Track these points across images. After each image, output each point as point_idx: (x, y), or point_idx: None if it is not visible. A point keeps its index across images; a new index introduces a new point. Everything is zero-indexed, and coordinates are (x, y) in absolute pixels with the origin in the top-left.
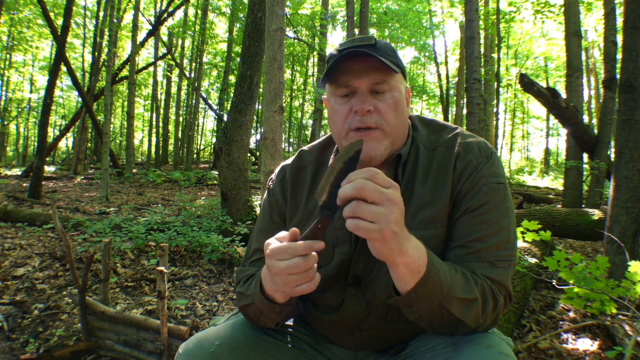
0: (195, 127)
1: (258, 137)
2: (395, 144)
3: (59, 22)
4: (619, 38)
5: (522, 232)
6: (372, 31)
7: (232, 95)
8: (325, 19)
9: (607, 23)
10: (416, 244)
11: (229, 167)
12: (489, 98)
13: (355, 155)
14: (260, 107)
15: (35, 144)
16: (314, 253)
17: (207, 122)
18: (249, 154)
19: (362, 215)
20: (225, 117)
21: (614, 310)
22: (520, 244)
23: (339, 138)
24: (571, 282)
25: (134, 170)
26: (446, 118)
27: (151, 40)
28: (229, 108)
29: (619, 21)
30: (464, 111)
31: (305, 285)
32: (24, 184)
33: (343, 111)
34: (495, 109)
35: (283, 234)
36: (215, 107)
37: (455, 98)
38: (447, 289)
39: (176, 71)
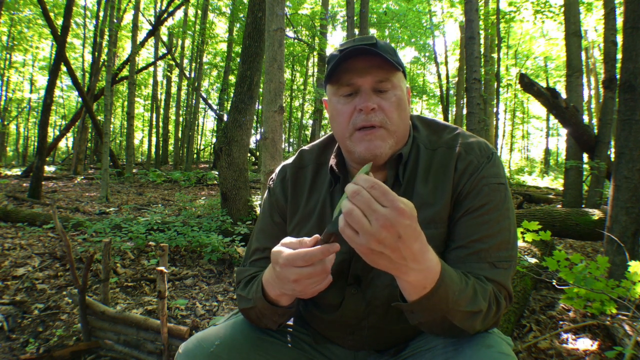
0: (195, 127)
1: (258, 137)
2: (398, 143)
3: (59, 22)
4: (619, 38)
5: (522, 232)
6: (372, 31)
7: (232, 95)
8: (325, 19)
9: (607, 23)
10: (428, 266)
11: (229, 167)
12: (489, 98)
13: None
14: (260, 107)
15: (35, 144)
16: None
17: (207, 122)
18: (249, 154)
19: (349, 221)
20: (225, 117)
21: (614, 310)
22: (520, 244)
23: (342, 138)
24: (571, 282)
25: (134, 170)
26: (446, 118)
27: (151, 40)
28: (229, 108)
29: (619, 21)
30: (464, 111)
31: (323, 284)
32: (24, 184)
33: (347, 111)
34: (495, 109)
35: (289, 240)
36: (215, 107)
37: (455, 98)
38: (453, 303)
39: (176, 71)
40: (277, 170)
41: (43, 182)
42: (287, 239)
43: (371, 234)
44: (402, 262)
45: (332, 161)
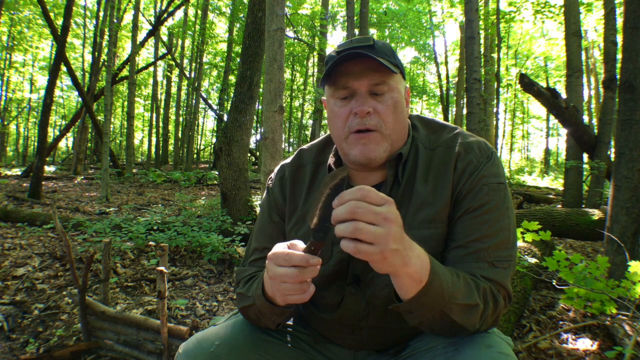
0: (195, 127)
1: (258, 137)
2: (395, 145)
3: (59, 22)
4: (619, 38)
5: (522, 232)
6: (372, 31)
7: (232, 95)
8: (325, 19)
9: (607, 23)
10: (419, 253)
11: (229, 167)
12: (489, 98)
13: (341, 182)
14: (260, 107)
15: (35, 144)
16: (313, 268)
17: (207, 122)
18: (249, 154)
19: (361, 236)
20: (225, 117)
21: (614, 310)
22: (520, 244)
23: (339, 140)
24: (571, 282)
25: (134, 170)
26: (446, 118)
27: (151, 40)
28: (229, 108)
29: (619, 21)
30: (464, 111)
31: (297, 296)
32: (24, 184)
33: (343, 113)
34: (495, 109)
35: (297, 242)
36: (215, 107)
37: (455, 98)
38: (449, 296)
39: (176, 71)
40: (276, 169)
41: (43, 182)
42: (297, 242)
43: (385, 236)
44: (406, 253)
45: (331, 160)
